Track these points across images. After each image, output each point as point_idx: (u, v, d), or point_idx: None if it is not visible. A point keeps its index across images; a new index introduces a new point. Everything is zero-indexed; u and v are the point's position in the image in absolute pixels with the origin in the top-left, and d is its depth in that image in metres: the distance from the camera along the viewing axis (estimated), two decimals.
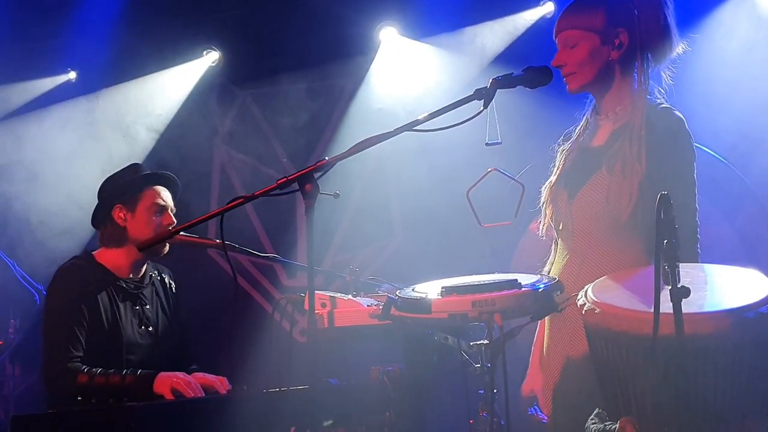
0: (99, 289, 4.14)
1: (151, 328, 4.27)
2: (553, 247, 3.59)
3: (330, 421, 3.25)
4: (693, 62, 3.60)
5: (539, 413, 3.50)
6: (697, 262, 3.19)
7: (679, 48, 3.43)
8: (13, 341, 6.13)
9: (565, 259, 3.42)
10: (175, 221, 4.29)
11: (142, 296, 4.30)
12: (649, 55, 3.40)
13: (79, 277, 4.14)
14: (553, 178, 3.56)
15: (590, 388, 2.99)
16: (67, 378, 3.94)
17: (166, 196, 4.31)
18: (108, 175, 4.40)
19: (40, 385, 5.43)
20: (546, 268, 3.56)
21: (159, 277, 4.45)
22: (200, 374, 4.05)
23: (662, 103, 3.40)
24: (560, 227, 3.48)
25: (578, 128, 3.59)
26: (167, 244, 4.25)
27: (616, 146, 3.33)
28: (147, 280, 4.36)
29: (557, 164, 3.58)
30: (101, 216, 4.30)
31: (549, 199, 3.53)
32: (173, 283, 4.51)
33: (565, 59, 3.41)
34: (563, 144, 3.61)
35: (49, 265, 6.16)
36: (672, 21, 3.41)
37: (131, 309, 4.23)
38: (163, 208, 4.27)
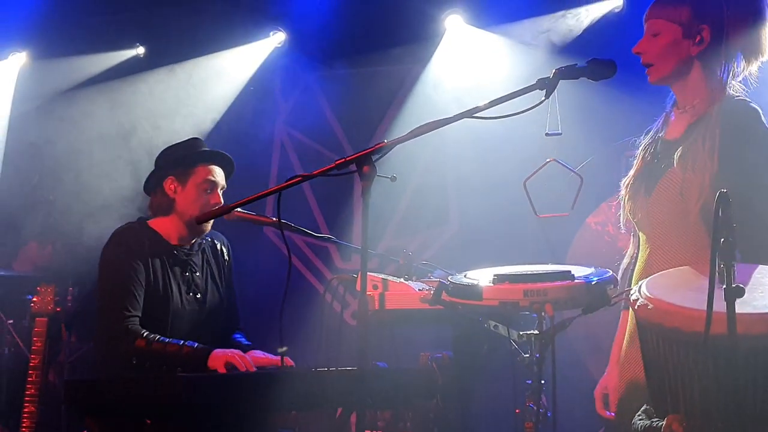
0: (151, 253, 4.22)
1: (199, 295, 4.33)
2: (632, 240, 3.54)
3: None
4: None
5: (608, 411, 3.45)
6: None
7: None
8: (71, 309, 6.24)
9: (647, 252, 3.38)
10: (222, 201, 4.32)
11: (192, 263, 4.36)
12: (740, 54, 3.32)
13: (133, 239, 4.23)
14: (632, 172, 3.50)
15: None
16: (125, 339, 4.02)
17: (218, 174, 4.35)
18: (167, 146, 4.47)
19: (94, 352, 5.55)
20: (625, 261, 3.52)
21: (211, 243, 4.49)
22: (259, 353, 4.11)
23: (738, 95, 3.31)
24: (638, 221, 3.44)
25: (658, 123, 3.55)
26: (210, 222, 4.32)
27: (689, 141, 3.27)
28: (197, 247, 4.41)
29: (637, 159, 3.54)
30: (153, 183, 4.38)
31: (628, 193, 3.48)
32: (225, 249, 4.55)
33: (645, 48, 3.35)
34: (644, 139, 3.56)
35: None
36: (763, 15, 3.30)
37: (181, 275, 4.30)
38: (213, 186, 4.31)
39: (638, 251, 3.48)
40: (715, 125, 3.22)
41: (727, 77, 3.31)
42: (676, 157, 3.27)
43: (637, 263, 3.44)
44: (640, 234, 3.46)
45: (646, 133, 3.57)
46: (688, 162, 3.22)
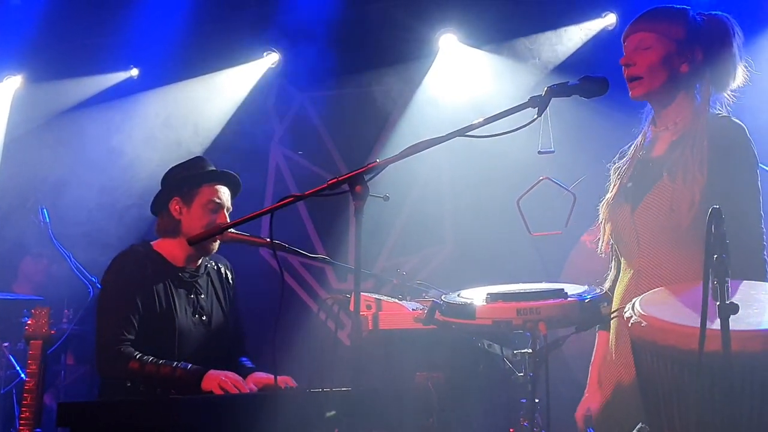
0: (154, 276, 4.19)
1: (204, 317, 4.29)
2: (613, 264, 3.52)
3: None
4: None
5: None
6: (765, 271, 3.13)
7: (740, 79, 3.38)
8: (66, 331, 6.23)
9: (630, 274, 3.35)
10: (229, 221, 4.28)
11: (197, 285, 4.32)
12: (715, 82, 3.37)
13: (135, 262, 4.19)
14: (610, 195, 3.48)
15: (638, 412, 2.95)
16: (118, 362, 4.00)
17: (223, 194, 4.31)
18: (172, 165, 4.45)
19: (91, 375, 5.52)
20: (606, 285, 3.48)
21: (215, 268, 4.46)
22: (261, 374, 4.09)
23: (721, 113, 3.35)
24: (622, 243, 3.42)
25: (635, 143, 3.54)
26: (217, 242, 4.27)
27: (676, 155, 3.27)
28: (202, 270, 4.38)
29: (613, 181, 3.53)
30: (159, 204, 4.35)
31: (608, 215, 3.47)
32: (230, 274, 4.52)
33: (636, 59, 3.34)
34: (618, 162, 3.56)
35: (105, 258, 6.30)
36: (739, 54, 3.36)
37: (186, 297, 4.26)
38: (218, 207, 4.27)
39: (619, 274, 3.47)
40: (702, 139, 3.24)
41: (708, 98, 3.34)
42: (664, 171, 3.27)
43: (617, 287, 3.42)
44: (622, 259, 3.44)
45: (620, 156, 3.57)
46: (677, 175, 3.23)
